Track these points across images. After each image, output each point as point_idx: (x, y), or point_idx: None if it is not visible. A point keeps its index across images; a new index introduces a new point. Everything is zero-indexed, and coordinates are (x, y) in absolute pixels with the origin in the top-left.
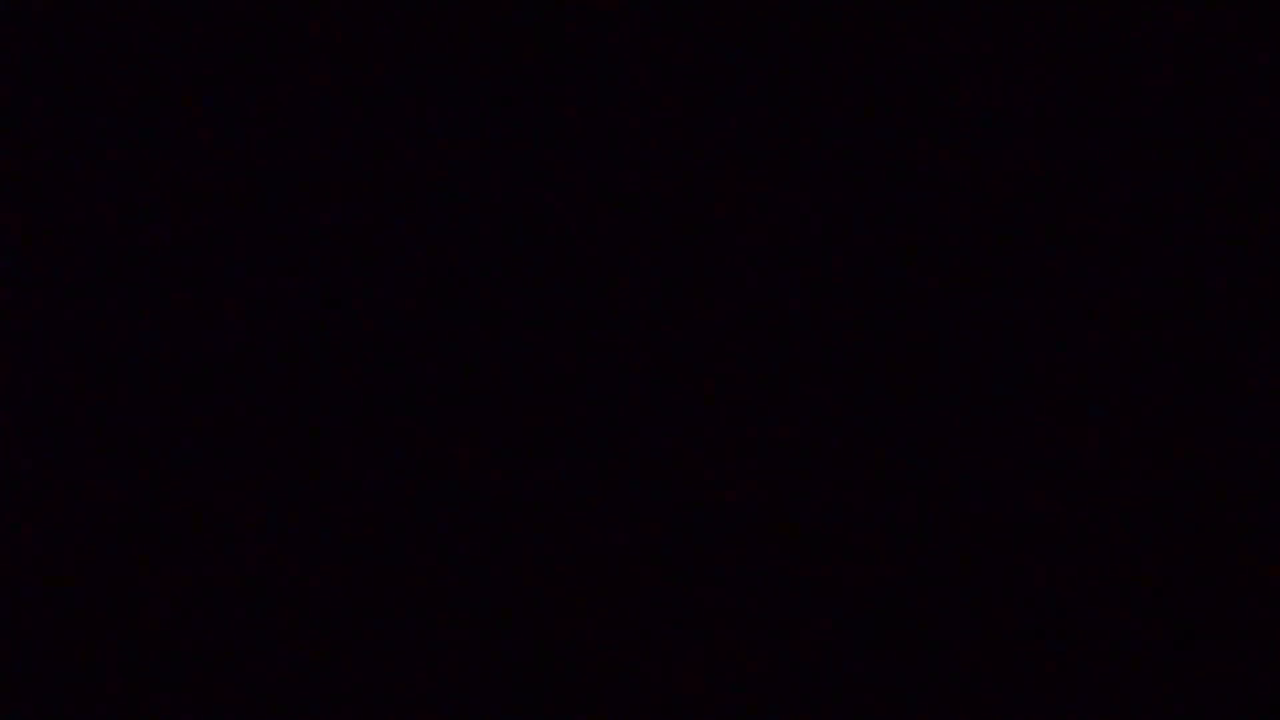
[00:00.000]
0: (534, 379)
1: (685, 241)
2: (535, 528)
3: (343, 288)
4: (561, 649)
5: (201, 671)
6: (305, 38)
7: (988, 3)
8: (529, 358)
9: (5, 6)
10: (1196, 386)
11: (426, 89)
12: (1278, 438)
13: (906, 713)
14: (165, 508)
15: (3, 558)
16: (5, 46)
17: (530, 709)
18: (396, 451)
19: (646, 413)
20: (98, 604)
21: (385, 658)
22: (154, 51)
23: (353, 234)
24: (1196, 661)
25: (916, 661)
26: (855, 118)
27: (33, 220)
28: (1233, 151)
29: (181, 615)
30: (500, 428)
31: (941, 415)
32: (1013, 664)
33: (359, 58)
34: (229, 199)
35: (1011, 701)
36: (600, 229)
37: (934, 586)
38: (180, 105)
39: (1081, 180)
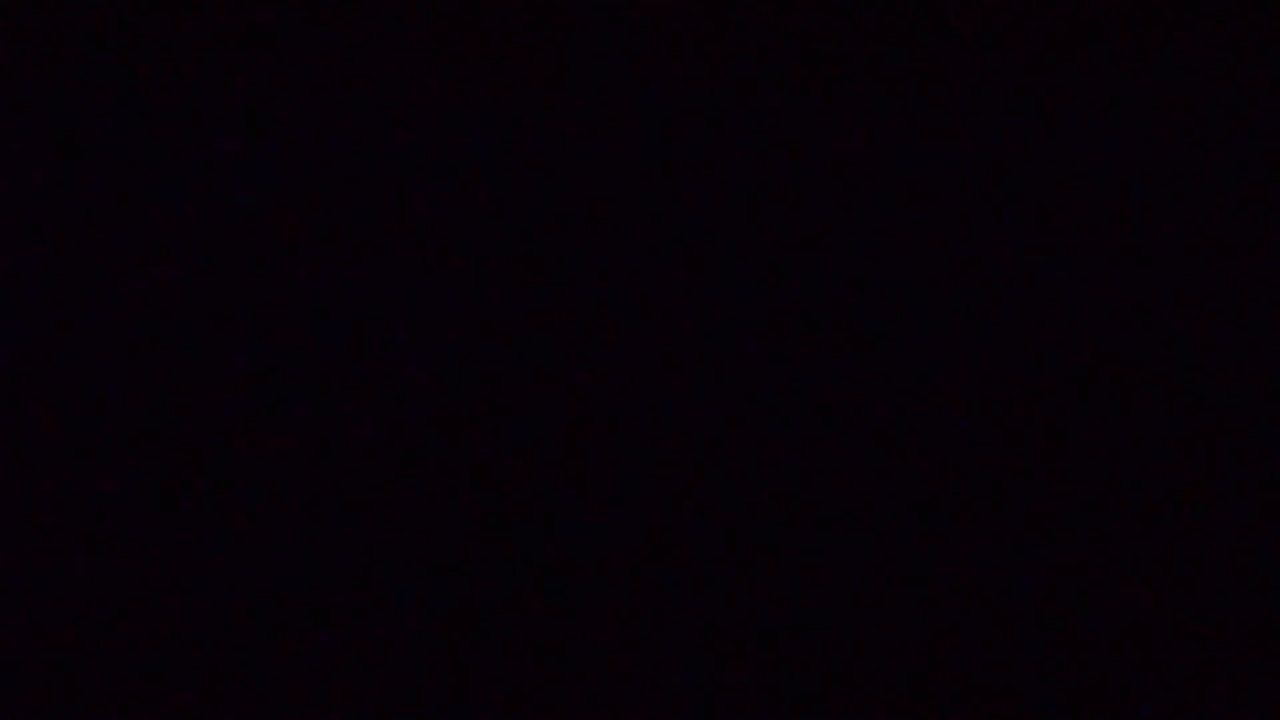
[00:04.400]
0: (533, 378)
1: (685, 242)
2: (534, 527)
3: (342, 288)
4: (560, 649)
5: (201, 671)
6: (305, 38)
7: (988, 3)
8: (528, 357)
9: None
10: (1197, 386)
11: (426, 89)
12: (1278, 438)
13: (907, 713)
14: (164, 507)
15: (2, 558)
16: (5, 46)
17: (530, 709)
18: (395, 451)
19: (645, 413)
20: (97, 604)
21: (384, 657)
22: (154, 51)
23: (351, 234)
24: (1196, 661)
25: (916, 661)
26: (855, 118)
27: (32, 220)
28: (1233, 152)
29: (181, 615)
30: (499, 428)
31: (941, 416)
32: (1012, 664)
33: (359, 58)
34: (228, 199)
35: (1012, 701)
36: (599, 229)
37: (934, 587)
38: (179, 105)
39: (1081, 181)
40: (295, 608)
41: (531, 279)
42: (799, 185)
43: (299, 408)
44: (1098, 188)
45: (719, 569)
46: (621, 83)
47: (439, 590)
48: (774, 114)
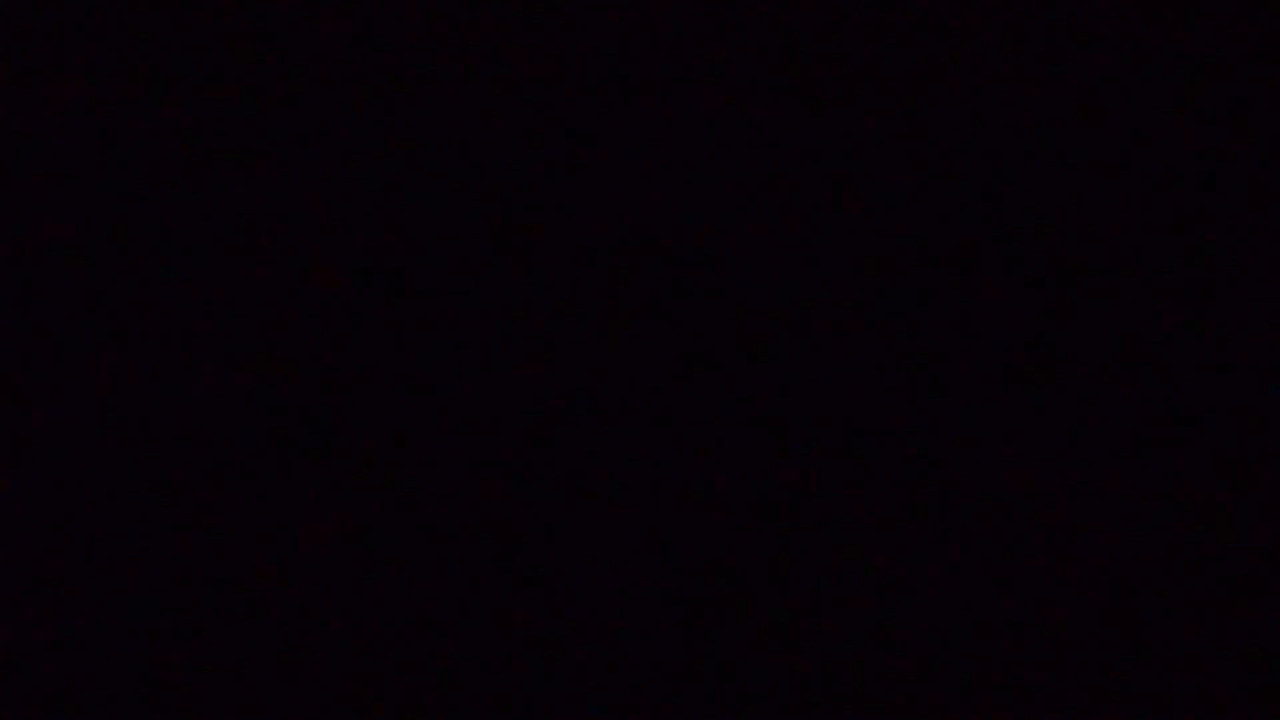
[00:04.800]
0: (532, 379)
1: (684, 242)
2: (533, 528)
3: (342, 288)
4: (559, 649)
5: (200, 671)
6: (305, 38)
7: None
8: (528, 358)
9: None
10: (1197, 387)
11: (426, 89)
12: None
13: (906, 713)
14: (164, 507)
15: (2, 558)
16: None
17: (529, 709)
18: (393, 452)
19: (645, 414)
20: (96, 604)
21: (384, 658)
22: (154, 51)
23: (351, 235)
24: (1196, 661)
25: (916, 661)
26: (855, 118)
27: (32, 220)
28: (1233, 152)
29: (180, 615)
30: (499, 428)
31: (941, 416)
32: (1011, 664)
33: (358, 58)
34: (226, 199)
35: (1010, 702)
36: (599, 229)
37: (933, 586)
38: (179, 106)
39: (1082, 181)
40: (294, 607)
41: (530, 278)
42: (798, 184)
43: (298, 406)
44: (1098, 188)
45: (719, 568)
46: (621, 82)
47: (438, 590)
48: (773, 113)
